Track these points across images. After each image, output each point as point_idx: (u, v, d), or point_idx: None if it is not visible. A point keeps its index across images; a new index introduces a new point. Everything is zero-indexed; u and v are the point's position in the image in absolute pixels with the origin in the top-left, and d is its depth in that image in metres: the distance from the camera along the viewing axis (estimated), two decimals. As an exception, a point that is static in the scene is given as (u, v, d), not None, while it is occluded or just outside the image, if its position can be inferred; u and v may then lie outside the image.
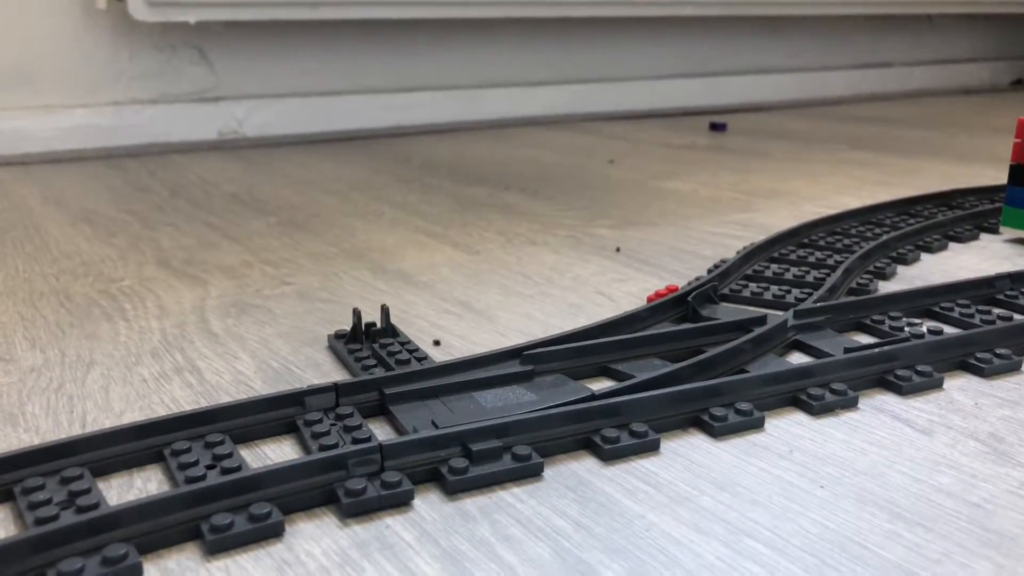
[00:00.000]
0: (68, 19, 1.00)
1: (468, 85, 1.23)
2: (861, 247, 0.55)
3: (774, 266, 0.52)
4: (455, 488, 0.29)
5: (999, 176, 0.79)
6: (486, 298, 0.50)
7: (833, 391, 0.36)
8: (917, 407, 0.36)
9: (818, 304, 0.43)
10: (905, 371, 0.37)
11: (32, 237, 0.65)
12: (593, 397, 0.34)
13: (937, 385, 0.37)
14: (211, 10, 0.99)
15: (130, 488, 0.30)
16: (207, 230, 0.67)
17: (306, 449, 0.32)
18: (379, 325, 0.42)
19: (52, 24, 0.99)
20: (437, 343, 0.43)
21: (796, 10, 1.39)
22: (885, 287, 0.51)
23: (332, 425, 0.33)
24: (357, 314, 0.42)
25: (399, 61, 1.18)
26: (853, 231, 0.60)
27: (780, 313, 0.43)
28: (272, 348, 0.43)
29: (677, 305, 0.45)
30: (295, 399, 0.34)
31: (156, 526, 0.26)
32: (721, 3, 1.31)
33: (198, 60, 1.07)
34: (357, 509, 0.28)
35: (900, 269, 0.54)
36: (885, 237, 0.56)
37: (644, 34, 1.35)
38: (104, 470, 0.31)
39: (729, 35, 1.43)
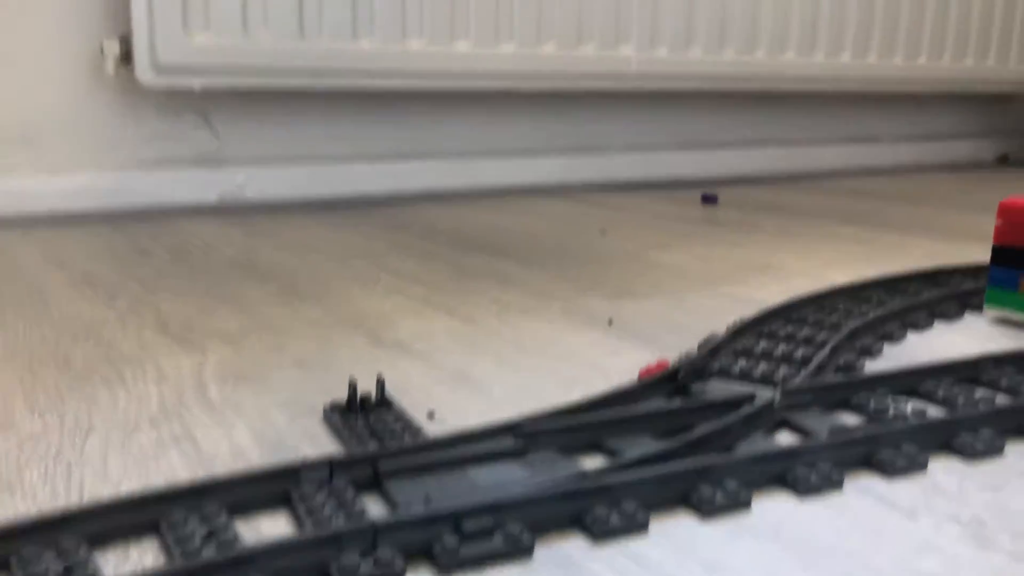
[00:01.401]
0: (76, 82, 1.03)
1: (467, 154, 1.26)
2: (849, 324, 0.56)
3: (763, 342, 0.53)
4: (446, 566, 0.30)
5: (983, 253, 0.81)
6: (480, 369, 0.51)
7: (819, 472, 0.36)
8: (902, 489, 0.36)
9: (805, 383, 0.44)
10: (890, 452, 0.38)
11: (34, 299, 0.66)
12: (584, 476, 0.34)
13: (921, 467, 0.38)
14: (216, 77, 1.02)
15: (126, 560, 0.30)
16: (207, 295, 0.68)
17: (300, 524, 0.32)
18: (374, 396, 0.43)
19: (60, 87, 1.02)
20: (431, 416, 0.44)
21: (788, 86, 1.44)
22: (872, 365, 0.52)
23: (326, 500, 0.33)
24: (353, 386, 0.42)
25: (400, 130, 1.21)
26: (841, 307, 0.61)
27: (768, 391, 0.44)
28: (268, 418, 0.43)
29: (668, 381, 0.46)
30: (290, 473, 0.34)
31: (151, 602, 0.26)
32: (714, 78, 1.36)
33: (202, 125, 1.10)
34: (350, 586, 0.28)
35: (887, 347, 0.55)
36: (872, 315, 0.57)
37: (638, 107, 1.39)
38: (101, 541, 0.31)
39: (722, 109, 1.47)
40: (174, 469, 0.38)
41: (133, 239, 0.91)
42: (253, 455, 0.39)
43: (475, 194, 1.25)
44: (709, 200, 1.21)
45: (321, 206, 1.14)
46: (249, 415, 0.44)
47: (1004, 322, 0.61)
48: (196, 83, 1.00)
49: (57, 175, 1.02)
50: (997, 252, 0.60)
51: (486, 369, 0.51)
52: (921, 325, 0.59)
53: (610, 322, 0.60)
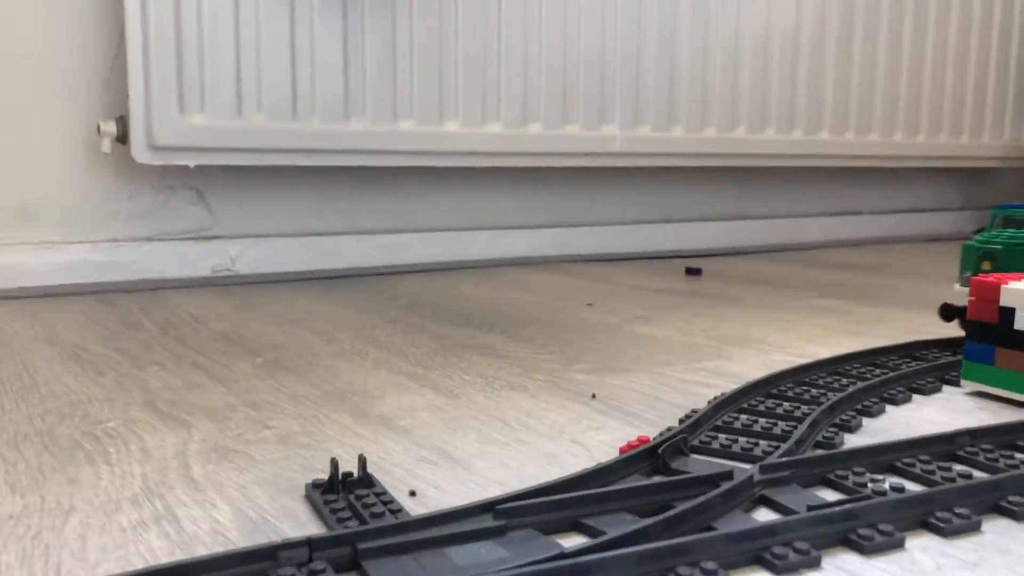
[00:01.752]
0: (72, 160, 1.05)
1: (454, 227, 1.28)
2: (828, 398, 0.56)
3: (743, 417, 0.54)
4: (423, 649, 0.30)
5: (960, 328, 0.82)
6: (463, 445, 0.51)
7: (796, 550, 0.37)
8: (879, 567, 0.37)
9: (783, 459, 0.45)
10: (867, 530, 0.38)
11: (21, 375, 0.66)
12: (562, 555, 0.34)
13: (899, 545, 0.38)
14: (211, 155, 1.04)
15: (100, 646, 0.30)
16: (194, 370, 0.68)
17: (278, 606, 0.32)
18: (356, 475, 0.43)
19: (56, 164, 1.04)
20: (413, 493, 0.44)
21: (770, 162, 1.48)
22: (850, 440, 0.52)
23: (305, 581, 0.33)
24: (334, 464, 0.43)
25: (389, 204, 1.24)
26: (820, 382, 0.62)
27: (747, 467, 0.45)
28: (250, 496, 0.44)
29: (648, 457, 0.46)
30: (269, 554, 0.34)
31: None
32: (696, 155, 1.39)
33: (195, 200, 1.12)
34: (325, 671, 0.28)
35: (865, 421, 0.56)
36: (851, 389, 0.58)
37: (623, 182, 1.42)
38: (75, 626, 0.31)
39: (704, 184, 1.50)
40: (153, 551, 0.38)
41: (124, 313, 0.91)
42: (233, 534, 0.39)
43: (463, 267, 1.27)
44: (693, 272, 1.22)
45: (311, 278, 1.15)
46: (231, 494, 0.44)
47: (980, 395, 0.62)
48: (191, 161, 1.03)
49: (52, 250, 1.03)
50: (972, 327, 0.61)
51: (469, 445, 0.51)
52: (899, 399, 0.60)
53: (593, 396, 0.61)
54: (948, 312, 0.72)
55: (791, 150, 1.49)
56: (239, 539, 0.39)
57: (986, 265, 0.68)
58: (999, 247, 0.68)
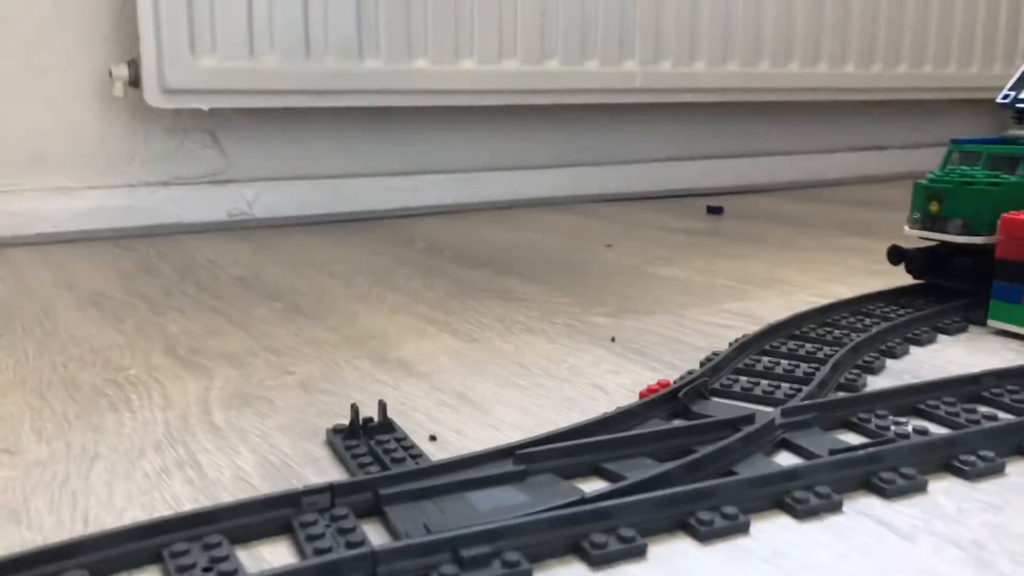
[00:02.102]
0: (85, 105, 1.04)
1: (471, 169, 1.26)
2: (851, 339, 0.56)
3: (765, 359, 0.54)
4: (445, 594, 0.30)
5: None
6: (483, 389, 0.51)
7: (818, 494, 0.36)
8: (901, 511, 0.36)
9: (805, 402, 0.44)
10: (889, 474, 0.38)
11: (42, 321, 0.67)
12: (583, 500, 0.34)
13: (921, 488, 0.38)
14: (224, 97, 1.03)
15: (128, 590, 0.31)
16: (213, 315, 0.68)
17: (301, 552, 0.33)
18: (377, 420, 0.43)
19: (69, 110, 1.03)
20: (433, 438, 0.44)
21: (792, 96, 1.44)
22: (874, 382, 0.52)
23: (327, 527, 0.33)
24: (355, 409, 0.43)
25: (405, 145, 1.22)
26: (843, 323, 0.61)
27: (769, 409, 0.44)
28: (272, 442, 0.44)
29: (669, 401, 0.46)
30: (291, 500, 0.35)
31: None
32: (718, 90, 1.36)
33: (210, 144, 1.11)
34: (348, 616, 0.29)
35: (889, 363, 0.55)
36: (875, 329, 0.57)
37: (641, 118, 1.39)
38: (104, 571, 0.31)
39: (726, 119, 1.47)
40: (178, 497, 0.38)
41: (142, 258, 0.92)
42: (256, 480, 0.40)
43: (480, 208, 1.26)
44: (714, 212, 1.21)
45: (328, 222, 1.15)
46: (253, 440, 0.44)
47: (1007, 334, 0.61)
48: (204, 104, 1.01)
49: (67, 196, 1.03)
50: (999, 266, 0.60)
51: (488, 390, 0.51)
52: (923, 340, 0.59)
53: (612, 339, 0.61)
54: (897, 254, 0.67)
55: (816, 83, 1.45)
56: (261, 485, 0.39)
57: (933, 206, 0.62)
58: (948, 186, 0.62)
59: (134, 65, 1.01)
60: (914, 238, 0.65)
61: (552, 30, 1.21)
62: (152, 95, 0.99)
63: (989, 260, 0.61)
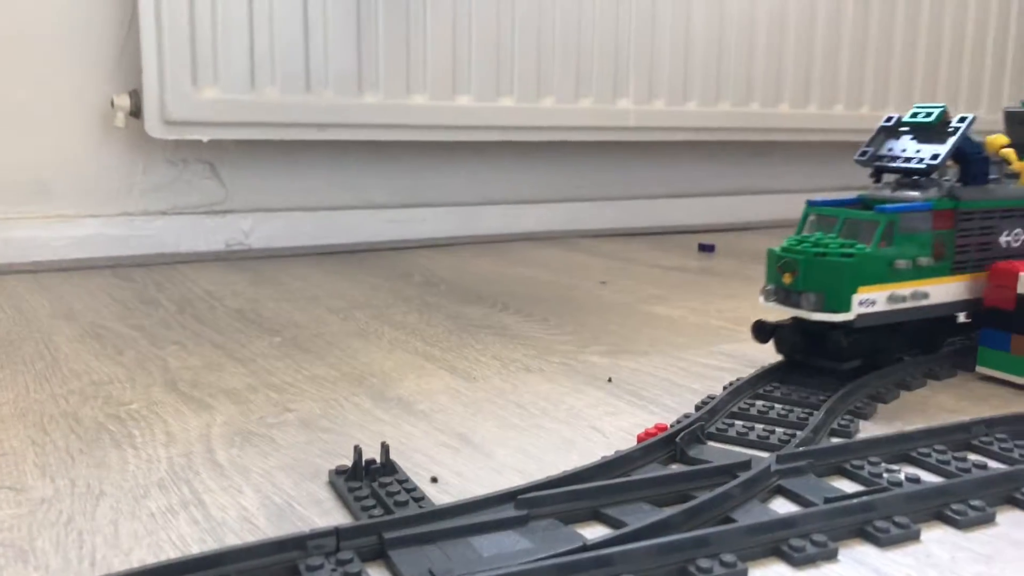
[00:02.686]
0: (87, 134, 1.05)
1: (467, 202, 1.28)
2: (843, 385, 0.57)
3: (759, 403, 0.54)
4: (451, 641, 0.30)
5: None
6: (482, 430, 0.52)
7: (814, 542, 0.37)
8: (895, 560, 0.37)
9: (800, 449, 0.45)
10: (883, 522, 0.39)
11: (43, 353, 0.67)
12: (584, 548, 0.35)
13: (914, 537, 0.39)
14: (224, 129, 1.04)
15: (137, 634, 0.31)
16: (213, 350, 0.69)
17: (309, 596, 0.33)
18: (379, 461, 0.44)
19: (71, 139, 1.04)
20: (435, 480, 0.45)
21: (782, 136, 1.46)
22: (865, 427, 0.53)
23: (333, 571, 0.34)
24: (358, 451, 0.43)
25: (402, 178, 1.23)
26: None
27: (765, 455, 0.45)
28: (275, 482, 0.44)
29: (666, 445, 0.47)
30: (297, 543, 0.35)
31: None
32: (710, 129, 1.38)
33: (209, 174, 1.12)
34: (357, 663, 0.29)
35: (880, 408, 0.56)
36: (866, 375, 0.58)
37: (635, 156, 1.41)
38: (113, 614, 0.32)
39: (717, 158, 1.49)
40: (184, 537, 0.38)
41: (140, 288, 0.92)
42: (260, 521, 0.40)
43: (476, 241, 1.27)
44: (706, 249, 1.22)
45: (324, 253, 1.15)
46: (256, 479, 0.45)
47: (996, 381, 0.62)
48: (204, 135, 1.02)
49: (66, 224, 1.04)
50: (988, 313, 0.61)
51: (488, 431, 0.52)
52: (913, 385, 0.60)
53: (609, 380, 0.62)
54: (763, 332, 0.59)
55: (805, 124, 1.48)
56: (266, 526, 0.40)
57: (786, 278, 0.56)
58: (800, 257, 0.55)
59: (136, 95, 1.02)
60: (771, 311, 0.58)
61: (548, 69, 1.23)
62: (153, 126, 1.00)
63: (869, 336, 0.57)
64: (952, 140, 0.58)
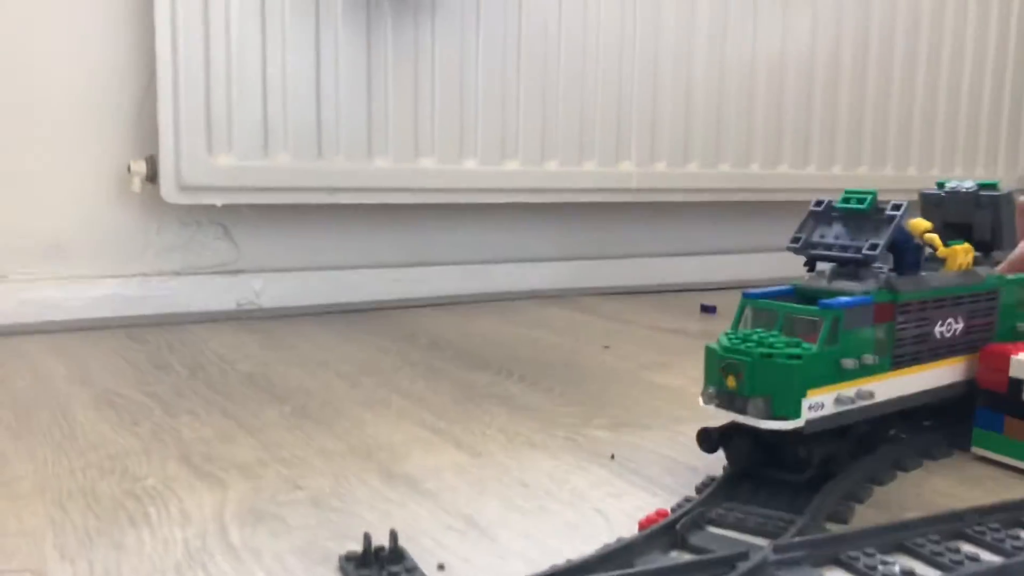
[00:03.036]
0: (103, 198, 1.08)
1: (473, 261, 1.30)
2: (840, 466, 0.58)
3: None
4: None
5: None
6: (488, 512, 0.53)
7: (809, 640, 0.39)
8: (887, 658, 0.38)
9: (796, 539, 0.46)
10: (876, 618, 0.40)
11: (59, 422, 0.69)
12: (587, 646, 0.36)
13: (907, 633, 0.40)
14: (238, 194, 1.07)
15: None
16: (224, 420, 0.70)
17: None
18: (387, 548, 0.45)
19: (88, 202, 1.07)
20: (441, 567, 0.46)
21: (781, 196, 1.49)
22: (860, 511, 0.54)
23: (346, 668, 0.35)
24: (367, 539, 0.45)
25: (410, 238, 1.26)
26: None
27: (763, 543, 0.47)
28: (286, 566, 0.46)
29: (667, 531, 0.48)
30: (312, 638, 0.37)
31: None
32: (711, 190, 1.41)
33: (221, 235, 1.14)
34: None
35: (876, 490, 0.58)
36: (863, 457, 0.60)
37: (637, 216, 1.44)
38: None
39: (718, 217, 1.52)
40: (200, 627, 0.40)
41: (153, 351, 0.94)
42: (274, 610, 0.41)
43: (481, 299, 1.29)
44: (707, 310, 1.24)
45: (333, 312, 1.17)
46: (268, 562, 0.46)
47: (990, 462, 0.63)
48: (218, 200, 1.05)
49: (81, 285, 1.06)
50: (982, 396, 0.63)
51: (493, 512, 0.53)
52: (909, 466, 0.61)
53: (612, 457, 0.63)
54: (710, 441, 0.54)
55: (804, 184, 1.51)
56: (279, 615, 0.41)
57: (730, 380, 0.51)
58: (746, 359, 0.50)
59: (152, 161, 1.05)
60: (715, 414, 0.53)
61: (552, 132, 1.27)
62: (169, 191, 1.03)
63: (821, 442, 0.53)
64: (890, 228, 0.55)
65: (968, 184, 0.66)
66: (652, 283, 1.44)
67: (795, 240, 0.58)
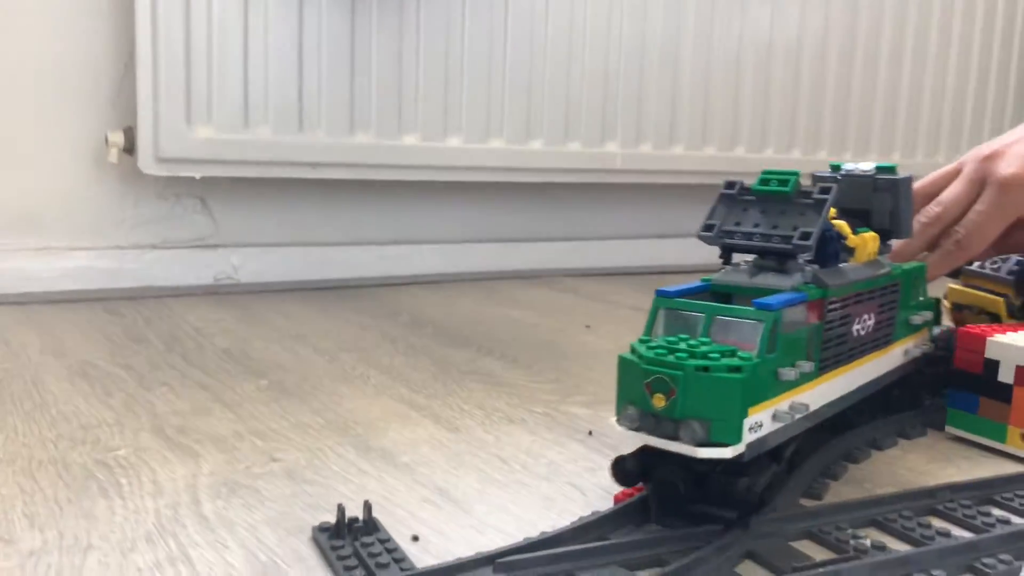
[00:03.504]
0: (79, 169, 1.06)
1: (456, 240, 1.30)
2: (814, 444, 0.58)
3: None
4: None
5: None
6: (464, 485, 0.53)
7: (780, 612, 0.39)
8: (857, 630, 0.39)
9: (771, 515, 0.47)
10: (847, 591, 0.40)
11: (31, 393, 0.68)
12: (559, 615, 0.36)
13: (877, 606, 0.40)
14: (217, 167, 1.05)
15: None
16: (200, 392, 0.70)
17: (291, 662, 0.34)
18: (361, 519, 0.45)
19: (64, 173, 1.05)
20: (416, 539, 0.46)
21: (765, 180, 1.49)
22: (835, 488, 0.54)
23: (316, 635, 0.35)
24: (341, 510, 0.44)
25: (391, 215, 1.25)
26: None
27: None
28: (260, 537, 0.45)
29: (642, 506, 0.48)
30: (283, 606, 0.36)
31: None
32: (698, 172, 1.41)
33: (200, 209, 1.13)
34: None
35: (851, 468, 0.58)
36: (838, 437, 0.60)
37: (622, 197, 1.44)
38: (99, 677, 0.33)
39: (705, 200, 1.52)
40: (170, 595, 0.39)
41: (129, 324, 0.93)
42: (245, 579, 0.41)
43: (463, 279, 1.29)
44: (690, 292, 1.24)
45: (313, 288, 1.17)
46: (241, 534, 0.46)
47: (964, 441, 0.64)
48: (196, 173, 1.04)
49: (56, 256, 1.05)
50: (956, 376, 0.63)
51: (470, 486, 0.53)
52: (885, 444, 0.62)
53: (590, 433, 0.63)
54: (625, 473, 0.46)
55: (789, 167, 1.51)
56: (250, 584, 0.41)
57: (658, 400, 0.41)
58: (677, 372, 0.41)
59: (130, 132, 1.03)
60: (634, 438, 0.44)
61: (537, 112, 1.26)
62: (146, 163, 1.01)
63: (757, 468, 0.44)
64: (821, 214, 0.47)
65: (865, 167, 0.59)
66: (635, 265, 1.44)
67: (707, 228, 0.50)
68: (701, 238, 0.50)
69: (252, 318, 0.98)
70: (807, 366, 0.47)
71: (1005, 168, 0.70)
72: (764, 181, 0.49)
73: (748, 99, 1.45)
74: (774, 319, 0.44)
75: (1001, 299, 0.72)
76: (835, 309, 0.50)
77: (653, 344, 0.44)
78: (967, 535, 0.47)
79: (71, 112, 1.05)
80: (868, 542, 0.45)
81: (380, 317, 1.01)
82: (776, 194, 0.48)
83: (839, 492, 0.54)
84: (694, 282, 0.50)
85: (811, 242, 0.46)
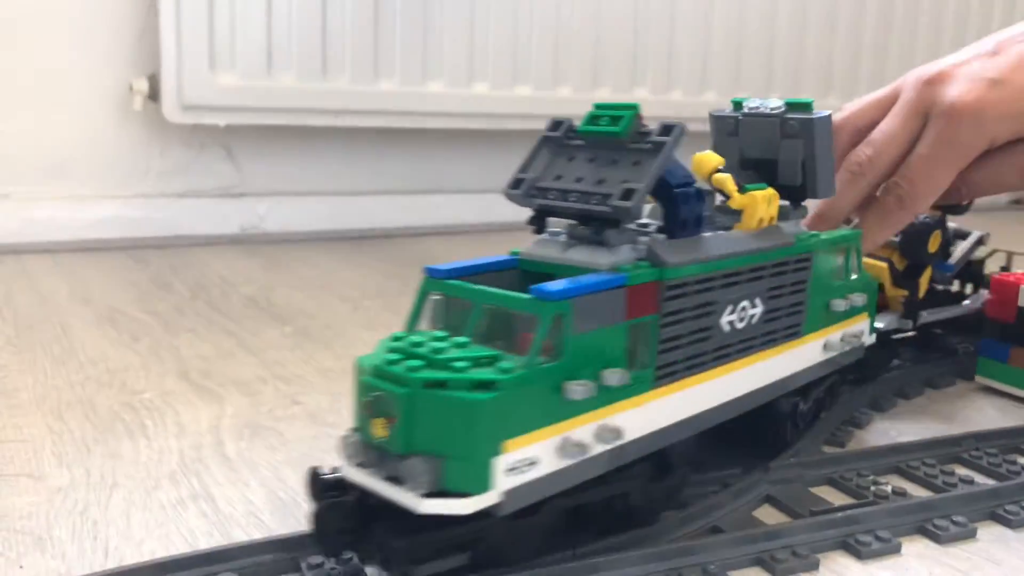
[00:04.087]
0: (104, 117, 1.06)
1: (482, 189, 1.29)
2: (840, 392, 0.58)
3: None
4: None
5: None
6: (483, 429, 0.53)
7: (796, 554, 0.39)
8: (874, 574, 0.39)
9: (791, 460, 0.46)
10: (866, 536, 0.40)
11: (59, 338, 0.69)
12: (574, 556, 0.36)
13: (895, 551, 0.40)
14: (241, 114, 1.05)
15: (146, 626, 0.33)
16: (225, 338, 0.70)
17: (308, 595, 0.35)
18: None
19: (88, 121, 1.06)
20: (434, 480, 0.46)
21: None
22: (859, 436, 0.54)
23: (332, 570, 0.36)
24: (361, 450, 0.44)
25: (417, 165, 1.24)
26: (834, 375, 0.63)
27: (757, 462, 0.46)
28: (281, 477, 0.46)
29: (660, 450, 0.48)
30: (301, 542, 0.37)
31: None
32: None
33: (225, 158, 1.13)
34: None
35: (876, 417, 0.57)
36: (865, 384, 0.59)
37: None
38: (123, 606, 0.33)
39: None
40: (193, 531, 0.40)
41: (155, 272, 0.94)
42: (266, 516, 0.42)
43: (490, 229, 1.28)
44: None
45: (338, 238, 1.17)
46: (263, 473, 0.46)
47: (994, 392, 0.62)
48: (221, 120, 1.04)
49: (84, 205, 1.06)
50: (989, 325, 0.62)
51: (488, 430, 0.53)
52: (911, 394, 0.61)
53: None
54: (318, 485, 0.35)
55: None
56: (271, 521, 0.41)
57: (378, 426, 0.31)
58: (397, 389, 0.30)
59: (154, 80, 1.03)
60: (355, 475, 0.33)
61: (565, 58, 1.23)
62: (171, 110, 1.01)
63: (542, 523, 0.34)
64: (655, 164, 0.35)
65: (774, 103, 0.45)
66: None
67: (515, 184, 0.38)
68: (507, 196, 0.38)
69: (277, 267, 0.99)
70: (617, 377, 0.33)
71: (954, 93, 0.52)
72: (593, 119, 0.37)
73: (783, 45, 1.41)
74: (555, 313, 0.32)
75: (885, 264, 0.59)
76: (682, 295, 0.37)
77: (397, 344, 0.33)
78: (990, 482, 0.46)
79: (95, 60, 1.05)
80: (889, 488, 0.45)
81: (405, 266, 1.01)
82: (606, 136, 0.36)
83: (863, 440, 0.53)
84: (501, 255, 0.39)
85: (633, 202, 0.34)
